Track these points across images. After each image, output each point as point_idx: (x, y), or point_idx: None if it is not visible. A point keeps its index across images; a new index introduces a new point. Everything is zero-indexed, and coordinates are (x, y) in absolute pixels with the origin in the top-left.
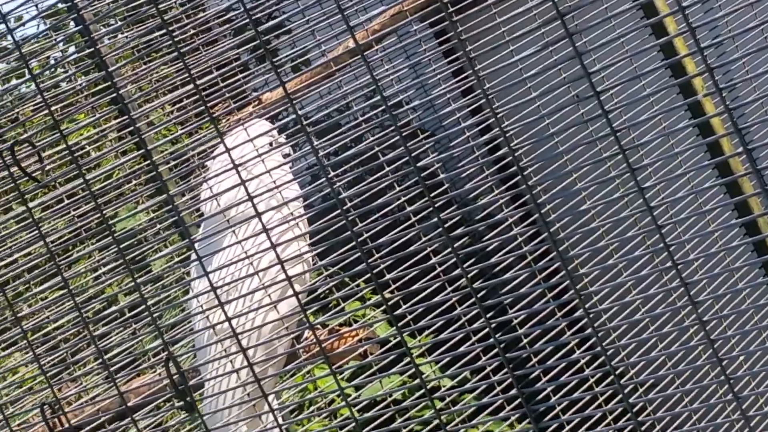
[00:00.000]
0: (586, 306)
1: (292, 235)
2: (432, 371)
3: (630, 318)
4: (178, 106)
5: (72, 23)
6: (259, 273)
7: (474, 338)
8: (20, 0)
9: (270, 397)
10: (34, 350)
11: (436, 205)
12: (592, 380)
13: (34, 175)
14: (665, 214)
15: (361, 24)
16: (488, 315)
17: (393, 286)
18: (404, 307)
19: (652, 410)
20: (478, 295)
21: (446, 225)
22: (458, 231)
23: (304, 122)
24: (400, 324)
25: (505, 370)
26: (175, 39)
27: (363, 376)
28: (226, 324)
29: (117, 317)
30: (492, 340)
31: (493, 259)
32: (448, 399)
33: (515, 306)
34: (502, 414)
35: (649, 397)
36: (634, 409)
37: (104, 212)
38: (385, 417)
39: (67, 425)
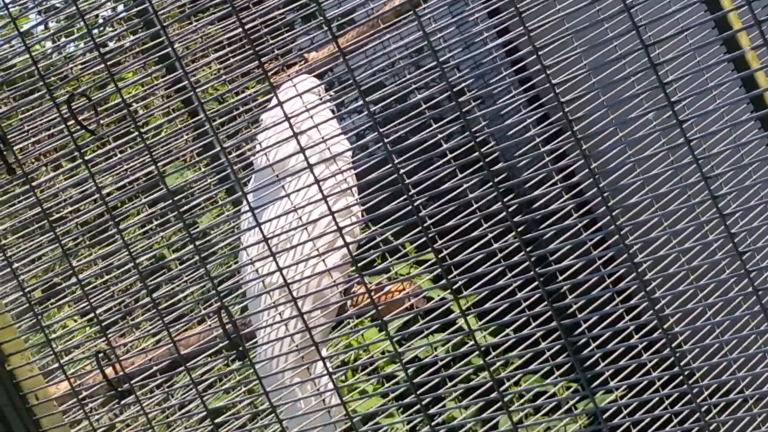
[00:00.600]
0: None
1: (344, 186)
2: (482, 336)
3: (681, 292)
4: (225, 65)
5: None
6: (308, 226)
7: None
8: None
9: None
10: (90, 300)
11: (499, 189)
12: (640, 347)
13: (90, 128)
14: (731, 204)
15: None
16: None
17: (443, 246)
18: (457, 274)
19: (701, 376)
20: (534, 268)
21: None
22: (518, 218)
23: (352, 79)
24: (454, 287)
25: (557, 333)
26: None
27: (409, 330)
28: (277, 276)
29: (169, 269)
30: (541, 298)
31: (551, 246)
32: (498, 362)
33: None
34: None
35: (697, 364)
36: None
37: (157, 167)
38: (431, 374)
39: (121, 373)
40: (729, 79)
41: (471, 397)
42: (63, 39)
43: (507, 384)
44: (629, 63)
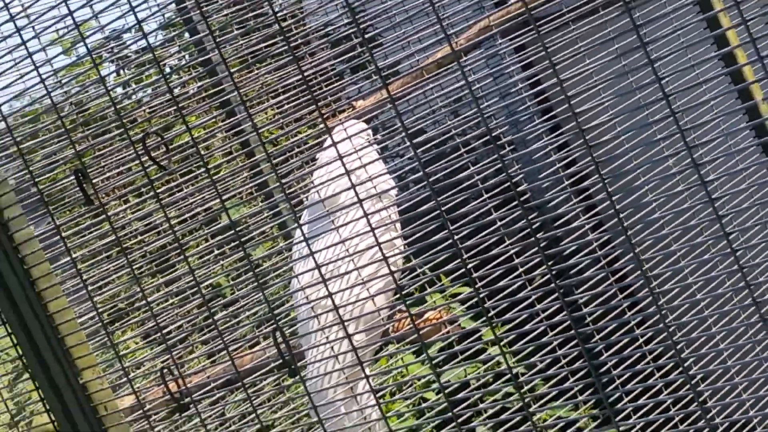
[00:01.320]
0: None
1: (388, 221)
2: (513, 363)
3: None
4: (280, 110)
5: (187, 34)
6: (354, 257)
7: (542, 316)
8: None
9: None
10: (158, 322)
11: (529, 218)
12: (654, 369)
13: (162, 163)
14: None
15: (450, 36)
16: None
17: (478, 281)
18: (491, 303)
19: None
20: (558, 286)
21: (530, 231)
22: (540, 235)
23: (396, 126)
24: (489, 315)
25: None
26: (283, 47)
27: (444, 355)
28: (327, 301)
29: (224, 297)
30: (563, 318)
31: (571, 261)
32: (526, 387)
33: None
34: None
35: (709, 368)
36: (693, 381)
37: (221, 200)
38: (460, 398)
39: (183, 388)
40: (751, 143)
41: (504, 415)
42: (133, 85)
43: (534, 406)
44: (653, 112)
